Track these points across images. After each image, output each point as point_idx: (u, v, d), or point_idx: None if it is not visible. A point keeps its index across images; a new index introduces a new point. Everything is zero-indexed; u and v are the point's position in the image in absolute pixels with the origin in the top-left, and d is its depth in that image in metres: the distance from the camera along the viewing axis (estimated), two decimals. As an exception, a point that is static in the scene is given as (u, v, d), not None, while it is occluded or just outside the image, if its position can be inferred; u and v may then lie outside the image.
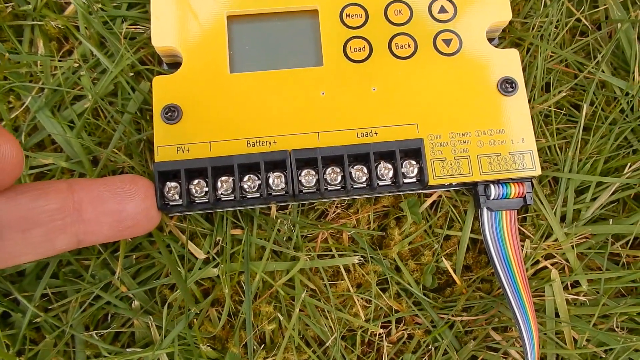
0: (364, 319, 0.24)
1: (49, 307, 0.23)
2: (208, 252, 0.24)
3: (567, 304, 0.23)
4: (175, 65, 0.25)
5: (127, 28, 0.26)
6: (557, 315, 0.23)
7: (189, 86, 0.24)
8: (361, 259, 0.25)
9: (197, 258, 0.24)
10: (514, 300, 0.22)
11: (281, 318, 0.24)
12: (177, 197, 0.22)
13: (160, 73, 0.25)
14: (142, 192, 0.20)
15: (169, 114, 0.23)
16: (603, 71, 0.25)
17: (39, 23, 0.25)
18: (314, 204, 0.25)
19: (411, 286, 0.24)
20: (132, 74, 0.25)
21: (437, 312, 0.24)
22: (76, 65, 0.25)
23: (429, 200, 0.25)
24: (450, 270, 0.24)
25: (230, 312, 0.24)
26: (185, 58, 0.24)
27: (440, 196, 0.25)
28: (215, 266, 0.24)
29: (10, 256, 0.16)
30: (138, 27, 0.26)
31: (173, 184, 0.22)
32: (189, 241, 0.24)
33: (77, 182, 0.18)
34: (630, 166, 0.24)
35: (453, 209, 0.25)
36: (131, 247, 0.24)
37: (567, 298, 0.23)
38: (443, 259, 0.25)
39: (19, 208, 0.16)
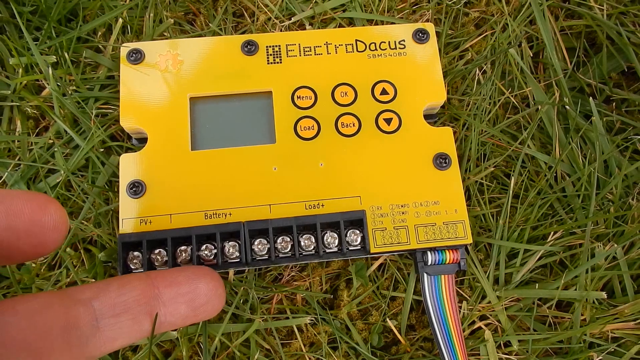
0: (314, 378, 0.26)
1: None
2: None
3: (500, 362, 0.25)
4: (144, 140, 0.27)
5: (98, 108, 0.28)
6: (491, 373, 0.25)
7: (152, 163, 0.26)
8: (313, 319, 0.26)
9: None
10: (449, 360, 0.24)
11: (236, 378, 0.25)
12: (139, 265, 0.24)
13: (129, 148, 0.28)
14: (208, 274, 0.22)
15: (134, 189, 0.25)
16: (529, 146, 0.28)
17: (17, 104, 0.28)
18: (270, 268, 0.27)
19: (359, 345, 0.26)
20: (103, 149, 0.27)
21: (383, 370, 0.26)
22: (50, 142, 0.27)
23: (376, 264, 0.27)
24: (395, 330, 0.26)
25: (188, 372, 0.25)
26: (150, 137, 0.26)
27: (385, 259, 0.27)
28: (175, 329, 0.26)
29: (108, 340, 0.19)
30: (109, 106, 0.28)
31: (136, 253, 0.25)
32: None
33: (152, 272, 0.21)
34: (553, 234, 0.26)
35: (397, 272, 0.27)
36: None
37: (501, 357, 0.25)
38: (388, 319, 0.27)
39: (108, 297, 0.19)
